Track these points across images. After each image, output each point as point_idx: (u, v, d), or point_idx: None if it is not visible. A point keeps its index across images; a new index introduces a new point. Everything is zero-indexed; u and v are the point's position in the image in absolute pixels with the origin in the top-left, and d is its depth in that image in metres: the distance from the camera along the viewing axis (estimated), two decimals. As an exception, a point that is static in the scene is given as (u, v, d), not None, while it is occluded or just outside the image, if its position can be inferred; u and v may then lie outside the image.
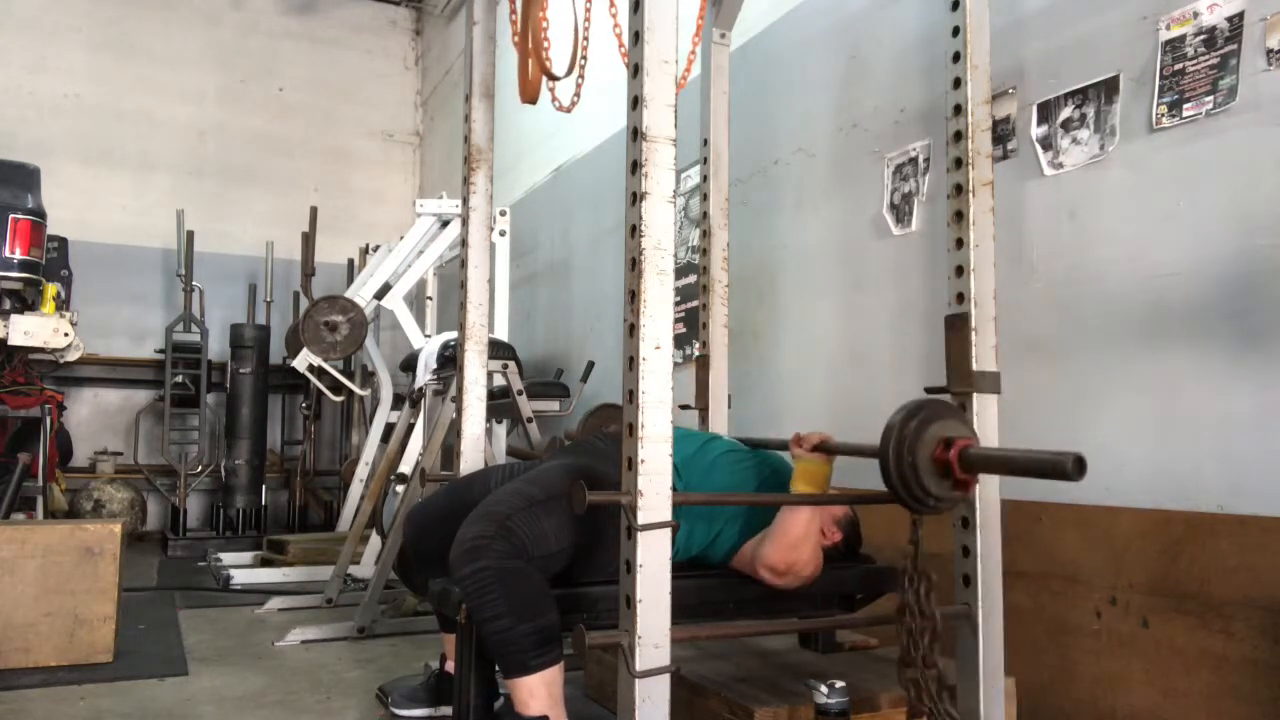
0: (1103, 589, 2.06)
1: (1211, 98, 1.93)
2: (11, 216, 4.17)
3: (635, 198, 1.57)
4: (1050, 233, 2.27)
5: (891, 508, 2.50)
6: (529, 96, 2.48)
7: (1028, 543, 2.18)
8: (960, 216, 1.87)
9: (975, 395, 1.80)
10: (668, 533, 1.52)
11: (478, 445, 2.50)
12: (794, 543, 1.91)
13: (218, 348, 6.70)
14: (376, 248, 5.76)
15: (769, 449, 2.30)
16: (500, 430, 4.07)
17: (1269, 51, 1.83)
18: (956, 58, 1.91)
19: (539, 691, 1.73)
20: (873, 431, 2.33)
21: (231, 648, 3.11)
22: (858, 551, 2.26)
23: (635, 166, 1.58)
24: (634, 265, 1.56)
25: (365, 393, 6.22)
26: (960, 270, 1.86)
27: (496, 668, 1.93)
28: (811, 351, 3.05)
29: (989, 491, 1.79)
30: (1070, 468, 1.37)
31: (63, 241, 5.61)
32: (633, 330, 1.55)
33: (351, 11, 7.89)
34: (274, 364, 6.57)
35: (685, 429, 2.33)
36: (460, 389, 2.51)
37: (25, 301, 4.44)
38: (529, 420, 3.63)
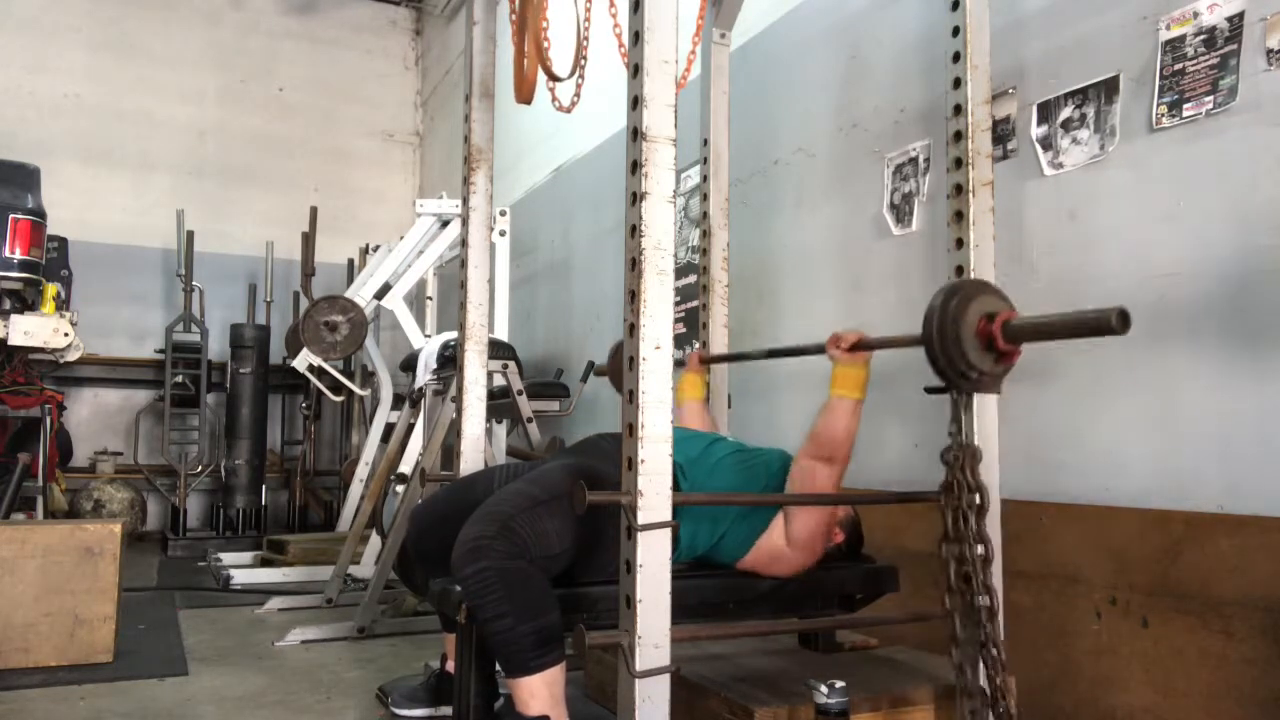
0: (1103, 589, 2.06)
1: (1211, 98, 1.93)
2: (11, 216, 4.17)
3: (635, 198, 1.57)
4: (1050, 233, 2.27)
5: (892, 508, 2.51)
6: (524, 97, 2.48)
7: (1028, 543, 2.18)
8: (960, 216, 1.87)
9: (975, 395, 1.79)
10: (668, 533, 1.52)
11: (478, 445, 2.50)
12: (810, 514, 1.95)
13: (218, 348, 6.70)
14: (376, 248, 5.76)
15: (804, 353, 2.28)
16: (500, 430, 4.07)
17: (1269, 51, 1.83)
18: (956, 58, 1.91)
19: (540, 691, 1.73)
20: (873, 432, 2.34)
21: (231, 648, 3.11)
22: (859, 551, 2.26)
23: (635, 166, 1.58)
24: (634, 265, 1.56)
25: (365, 393, 6.22)
26: (960, 270, 1.87)
27: (497, 667, 1.93)
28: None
29: (990, 492, 1.79)
30: (1115, 321, 1.39)
31: (63, 241, 5.61)
32: (633, 330, 1.55)
33: (351, 11, 7.89)
34: (274, 364, 6.57)
35: (689, 429, 2.33)
36: (460, 389, 2.51)
37: (25, 301, 4.44)
38: (529, 420, 3.63)
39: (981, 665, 1.64)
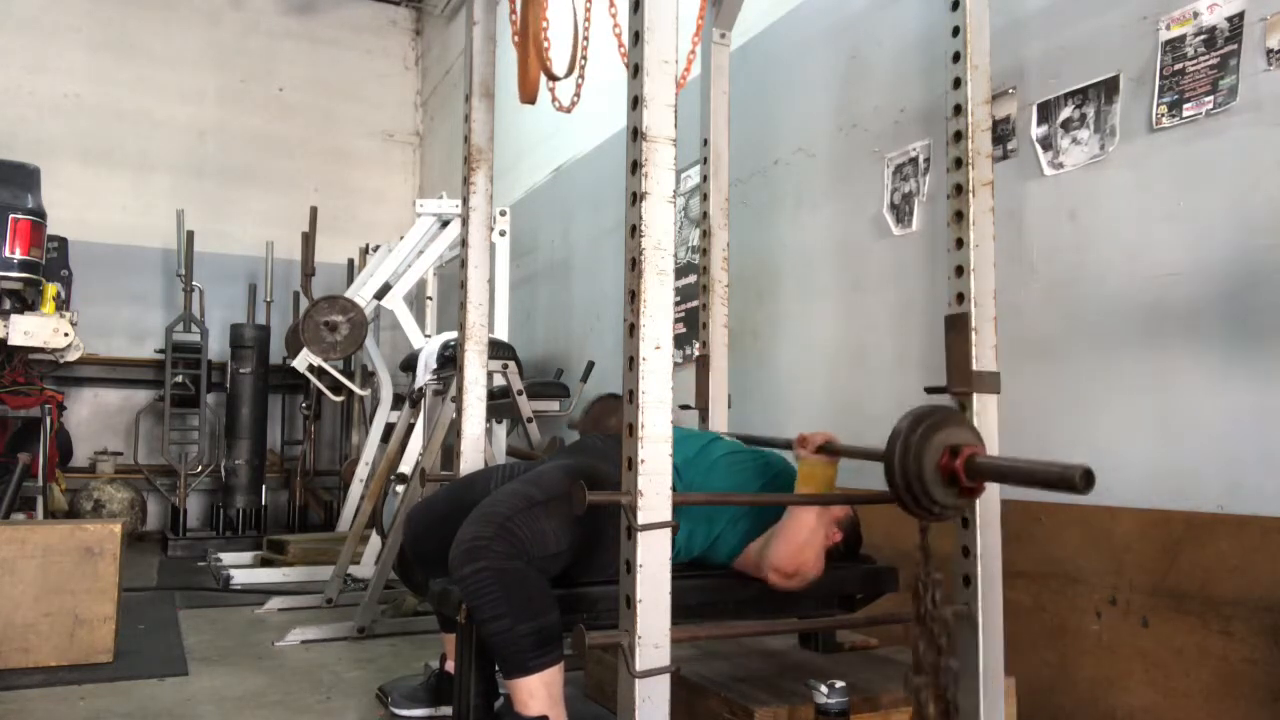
0: (1103, 589, 2.06)
1: (1211, 98, 1.93)
2: (11, 216, 4.17)
3: (635, 198, 1.57)
4: (1050, 233, 2.27)
5: (892, 508, 2.50)
6: (528, 96, 2.48)
7: (1028, 543, 2.18)
8: (960, 216, 1.87)
9: (975, 395, 1.79)
10: (668, 533, 1.52)
11: (478, 445, 2.50)
12: (801, 546, 1.91)
13: (218, 348, 6.71)
14: (376, 248, 5.76)
15: (772, 447, 2.30)
16: (500, 430, 4.07)
17: (1269, 51, 1.83)
18: (956, 58, 1.91)
19: (539, 692, 1.73)
20: (872, 432, 2.33)
21: (231, 648, 3.11)
22: (858, 552, 2.26)
23: (635, 166, 1.58)
24: (634, 265, 1.56)
25: (365, 393, 6.22)
26: (960, 270, 1.86)
27: (497, 667, 1.93)
28: (811, 351, 3.05)
29: (989, 492, 1.79)
30: (1078, 480, 1.36)
31: (63, 241, 5.61)
32: (633, 330, 1.55)
33: (351, 11, 7.89)
34: (274, 364, 6.57)
35: (686, 429, 2.32)
36: (460, 389, 2.51)
37: (25, 301, 4.44)
38: (529, 420, 3.63)
39: None
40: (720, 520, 2.02)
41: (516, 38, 2.53)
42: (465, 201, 2.59)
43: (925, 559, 1.60)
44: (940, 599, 1.59)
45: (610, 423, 3.10)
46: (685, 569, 2.00)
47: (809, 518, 1.92)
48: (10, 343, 4.33)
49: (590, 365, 4.29)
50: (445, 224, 4.70)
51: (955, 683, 1.58)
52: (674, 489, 1.55)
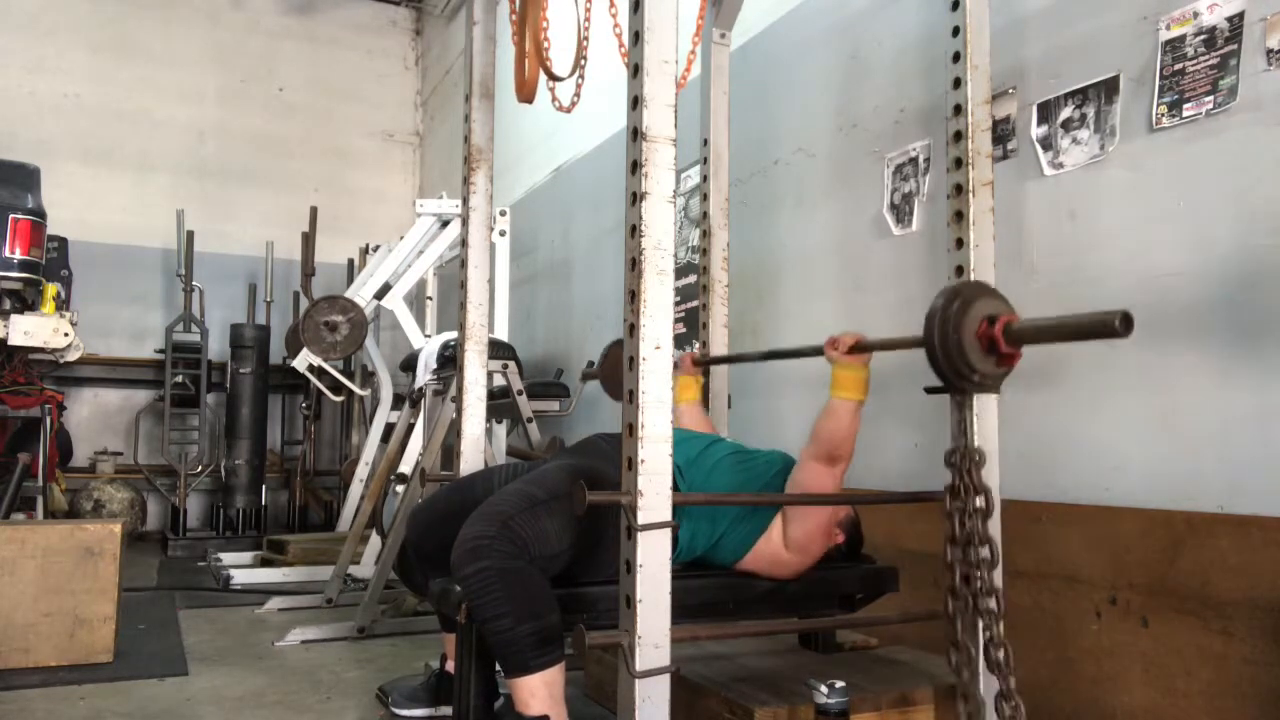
0: (1103, 589, 2.06)
1: (1211, 98, 1.93)
2: (11, 216, 4.17)
3: (635, 198, 1.57)
4: (1050, 233, 2.27)
5: (892, 508, 2.51)
6: (525, 96, 2.48)
7: (1028, 543, 2.18)
8: (960, 216, 1.87)
9: (975, 395, 1.79)
10: (668, 533, 1.52)
11: (478, 445, 2.50)
12: (815, 511, 1.96)
13: (218, 348, 6.70)
14: (376, 248, 5.76)
15: (802, 355, 2.27)
16: (500, 430, 4.07)
17: (1269, 51, 1.83)
18: (957, 58, 1.91)
19: (540, 691, 1.73)
20: (872, 431, 2.33)
21: (231, 648, 3.11)
22: (858, 551, 2.26)
23: (635, 166, 1.58)
24: (634, 265, 1.56)
25: (365, 393, 6.22)
26: (960, 270, 1.86)
27: (498, 667, 1.93)
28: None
29: (990, 493, 1.79)
30: (1117, 324, 1.38)
31: (63, 241, 5.61)
32: (633, 330, 1.55)
33: (351, 11, 7.89)
34: (274, 364, 6.57)
35: (688, 430, 2.33)
36: (460, 389, 2.51)
37: (25, 301, 4.44)
38: (529, 420, 3.63)
39: (985, 668, 1.64)
40: (723, 521, 2.02)
41: (516, 37, 2.53)
42: (465, 201, 2.59)
43: (964, 431, 1.65)
44: (978, 468, 1.61)
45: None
46: (686, 569, 2.00)
47: (829, 471, 1.94)
48: (10, 343, 4.33)
49: (590, 365, 4.29)
50: (445, 224, 4.70)
51: (992, 561, 1.62)
52: (675, 490, 1.55)
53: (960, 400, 1.67)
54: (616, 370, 3.17)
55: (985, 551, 1.61)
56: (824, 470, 1.94)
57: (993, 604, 1.60)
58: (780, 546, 1.99)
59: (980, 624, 1.61)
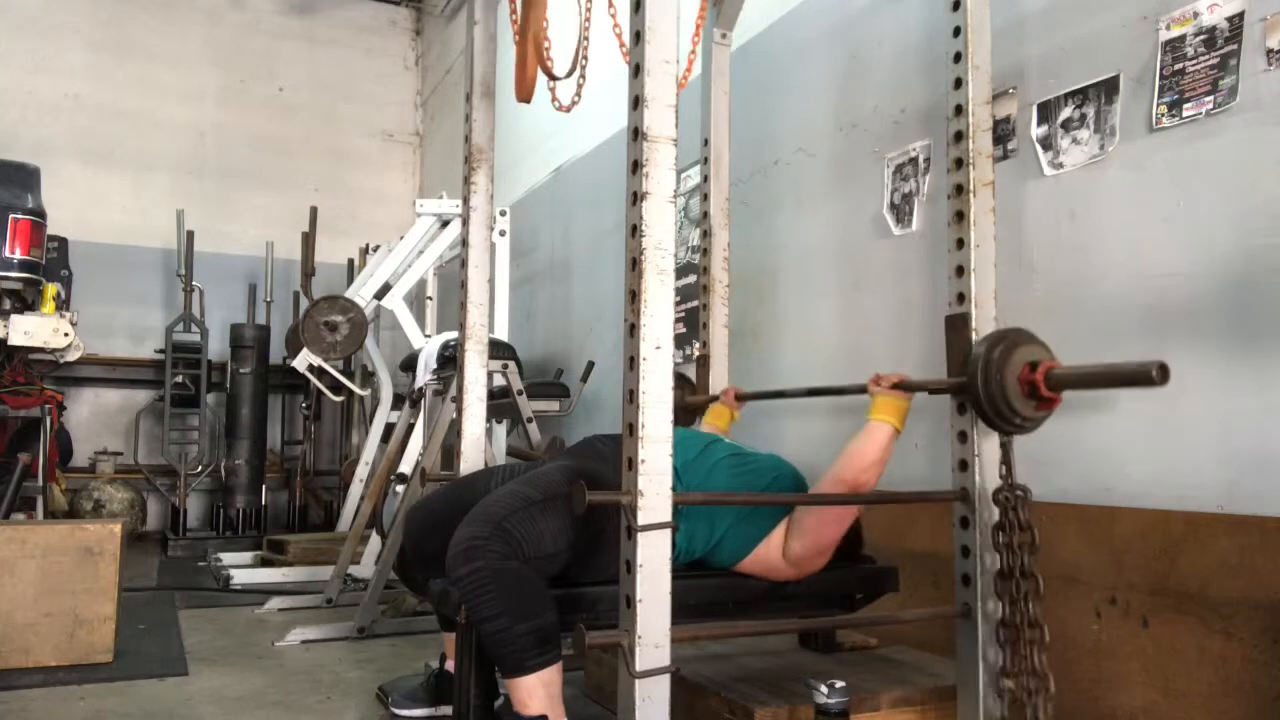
0: (1103, 589, 2.06)
1: (1211, 98, 1.93)
2: (11, 216, 4.17)
3: (635, 198, 1.57)
4: (1050, 233, 2.27)
5: (892, 508, 2.51)
6: (524, 96, 2.48)
7: (1028, 543, 2.18)
8: (961, 216, 1.87)
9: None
10: (668, 533, 1.52)
11: (478, 445, 2.50)
12: (831, 522, 1.96)
13: (218, 348, 6.70)
14: (376, 248, 5.76)
15: (845, 392, 2.28)
16: (500, 430, 4.07)
17: (1269, 51, 1.83)
18: (957, 58, 1.91)
19: (537, 691, 1.73)
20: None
21: (231, 648, 3.11)
22: (858, 551, 2.26)
23: (636, 166, 1.58)
24: (634, 265, 1.56)
25: (365, 393, 6.22)
26: (961, 270, 1.86)
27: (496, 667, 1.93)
28: (811, 351, 3.05)
29: (989, 492, 1.79)
30: (1155, 374, 1.46)
31: (63, 241, 5.61)
32: (633, 330, 1.55)
33: (351, 11, 7.89)
34: (274, 364, 6.57)
35: (687, 430, 2.32)
36: (460, 389, 2.51)
37: (25, 301, 4.44)
38: (529, 420, 3.63)
39: (1027, 693, 1.69)
40: (722, 523, 2.01)
41: (517, 37, 2.53)
42: (465, 201, 2.59)
43: (1009, 470, 1.74)
44: (1027, 507, 1.70)
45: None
46: (686, 569, 2.00)
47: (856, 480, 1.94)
48: (10, 343, 4.33)
49: (590, 365, 4.29)
50: (445, 224, 4.70)
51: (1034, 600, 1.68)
52: (674, 490, 1.55)
53: (1005, 442, 1.76)
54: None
55: (1030, 584, 1.69)
56: (845, 490, 1.93)
57: (1038, 635, 1.68)
58: (779, 556, 1.98)
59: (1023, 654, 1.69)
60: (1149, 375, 1.45)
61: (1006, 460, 1.75)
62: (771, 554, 1.99)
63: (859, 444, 1.93)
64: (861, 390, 2.03)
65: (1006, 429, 1.72)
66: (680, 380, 2.69)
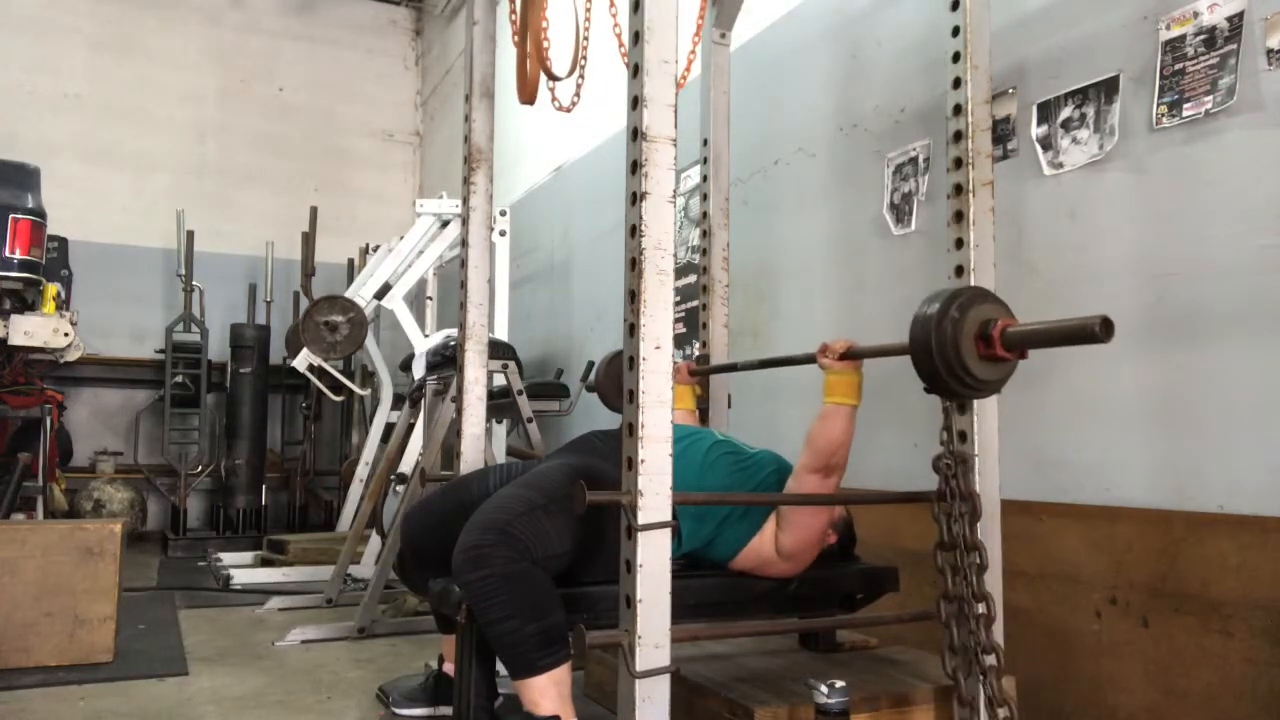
0: (1103, 589, 2.06)
1: (1211, 98, 1.93)
2: (11, 216, 4.17)
3: (635, 198, 1.57)
4: (1050, 232, 2.27)
5: (891, 508, 2.50)
6: (527, 97, 2.48)
7: (1028, 543, 2.18)
8: (960, 216, 1.87)
9: (969, 401, 1.79)
10: (668, 533, 1.52)
11: (478, 445, 2.50)
12: (815, 511, 1.95)
13: (218, 348, 6.70)
14: (376, 248, 5.76)
15: (795, 363, 2.27)
16: (500, 430, 4.07)
17: (1269, 51, 1.83)
18: (956, 58, 1.91)
19: (549, 691, 1.73)
20: (871, 432, 2.33)
21: (231, 648, 3.11)
22: (852, 551, 2.26)
23: (635, 166, 1.58)
24: (634, 265, 1.56)
25: (365, 393, 6.22)
26: (960, 270, 1.86)
27: (497, 667, 1.93)
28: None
29: (989, 491, 1.79)
30: (1098, 329, 1.42)
31: (63, 241, 5.61)
32: (633, 330, 1.55)
33: (351, 11, 7.89)
34: (274, 364, 6.57)
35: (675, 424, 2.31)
36: (460, 389, 2.51)
37: (25, 301, 4.44)
38: (529, 420, 3.63)
39: (978, 672, 1.64)
40: (714, 518, 2.01)
41: (516, 37, 2.53)
42: (465, 201, 2.59)
43: (950, 438, 1.66)
44: (965, 475, 1.61)
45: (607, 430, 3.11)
46: (685, 569, 2.00)
47: (825, 482, 1.94)
48: (10, 343, 4.33)
49: (590, 365, 4.29)
50: (445, 224, 4.70)
51: (981, 566, 1.62)
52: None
53: (949, 406, 1.67)
54: (616, 380, 3.17)
55: (974, 557, 1.61)
56: (820, 482, 1.93)
57: (982, 609, 1.60)
58: (772, 551, 1.98)
59: (969, 628, 1.61)
60: (1092, 330, 1.41)
61: (948, 426, 1.67)
62: (765, 549, 1.99)
63: (820, 430, 1.92)
64: (811, 360, 2.02)
65: (961, 393, 1.63)
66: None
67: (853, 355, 1.93)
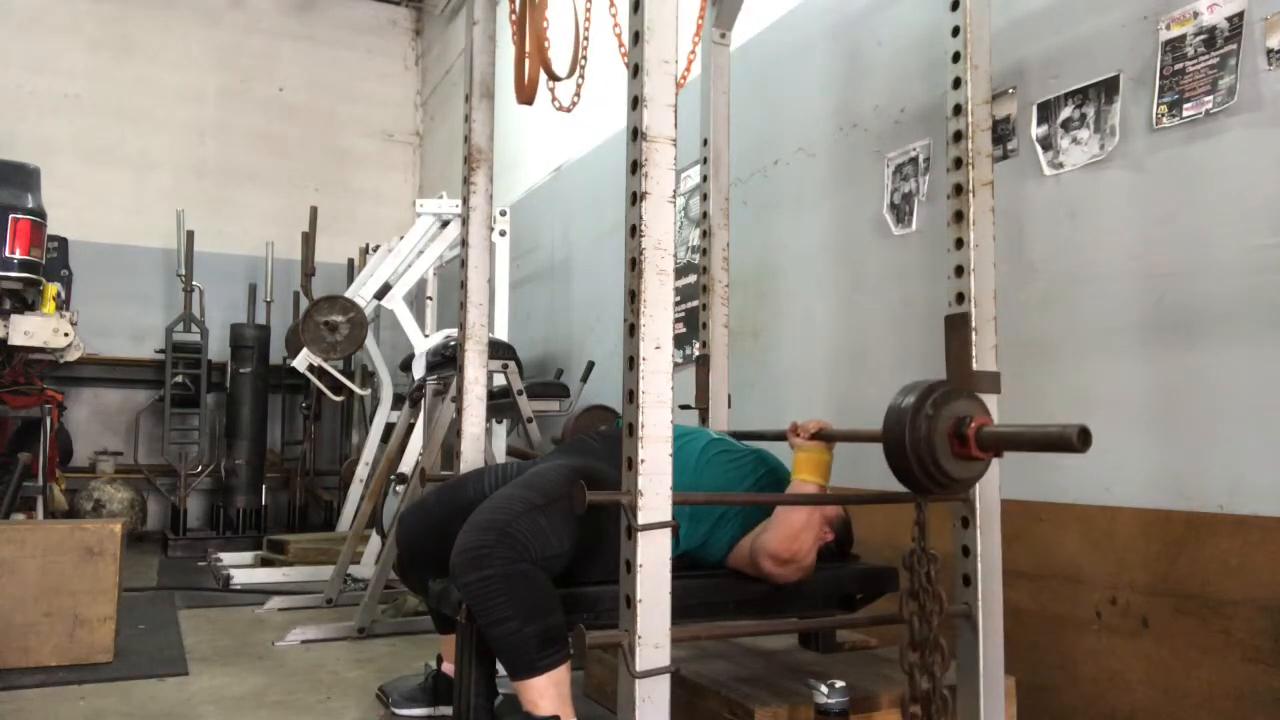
0: (1103, 589, 2.06)
1: (1211, 98, 1.93)
2: (11, 216, 4.17)
3: (635, 198, 1.57)
4: (1050, 233, 2.27)
5: (888, 508, 2.50)
6: (526, 97, 2.48)
7: (1028, 543, 2.18)
8: (960, 216, 1.87)
9: (980, 396, 1.79)
10: (668, 533, 1.52)
11: (478, 445, 2.50)
12: (796, 531, 1.91)
13: (218, 348, 6.70)
14: (376, 248, 5.77)
15: (765, 439, 2.29)
16: (500, 430, 4.07)
17: (1269, 51, 1.83)
18: (956, 58, 1.91)
19: (549, 692, 1.73)
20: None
21: (231, 648, 3.11)
22: (849, 551, 2.26)
23: (635, 166, 1.58)
24: (634, 265, 1.56)
25: (365, 393, 6.22)
26: (960, 270, 1.86)
27: (496, 667, 1.93)
28: (811, 351, 3.05)
29: (989, 491, 1.79)
30: (1075, 439, 1.40)
31: (63, 241, 5.61)
32: (633, 330, 1.55)
33: (351, 11, 7.89)
34: (274, 364, 6.57)
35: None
36: (460, 389, 2.51)
37: (25, 301, 4.44)
38: (529, 420, 3.63)
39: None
40: (709, 518, 2.01)
41: (516, 38, 2.53)
42: (465, 201, 2.59)
43: (921, 534, 1.60)
44: (935, 574, 1.59)
45: (603, 430, 3.11)
46: (685, 569, 2.00)
47: (802, 507, 1.91)
48: (10, 343, 4.33)
49: (590, 365, 4.29)
50: (445, 224, 4.70)
51: (945, 658, 1.59)
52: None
53: (920, 503, 1.63)
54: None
55: (938, 656, 1.58)
56: (775, 568, 1.90)
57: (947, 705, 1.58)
58: (761, 555, 1.96)
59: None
60: (1070, 440, 1.39)
61: (920, 522, 1.61)
62: (746, 548, 1.99)
63: (782, 513, 1.92)
64: (781, 437, 2.02)
65: (933, 490, 1.57)
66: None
67: (823, 437, 1.93)
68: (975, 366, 1.80)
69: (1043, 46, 2.32)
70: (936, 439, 1.53)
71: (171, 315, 6.63)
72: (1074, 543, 2.12)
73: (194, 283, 6.59)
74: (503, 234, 4.52)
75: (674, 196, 1.59)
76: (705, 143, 2.85)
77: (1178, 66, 1.99)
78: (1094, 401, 2.14)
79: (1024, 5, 2.37)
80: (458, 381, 2.53)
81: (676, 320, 3.51)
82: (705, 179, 2.85)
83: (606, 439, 2.16)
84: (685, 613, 1.65)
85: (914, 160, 2.71)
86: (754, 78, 3.37)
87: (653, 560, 1.51)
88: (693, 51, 2.90)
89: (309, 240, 6.47)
